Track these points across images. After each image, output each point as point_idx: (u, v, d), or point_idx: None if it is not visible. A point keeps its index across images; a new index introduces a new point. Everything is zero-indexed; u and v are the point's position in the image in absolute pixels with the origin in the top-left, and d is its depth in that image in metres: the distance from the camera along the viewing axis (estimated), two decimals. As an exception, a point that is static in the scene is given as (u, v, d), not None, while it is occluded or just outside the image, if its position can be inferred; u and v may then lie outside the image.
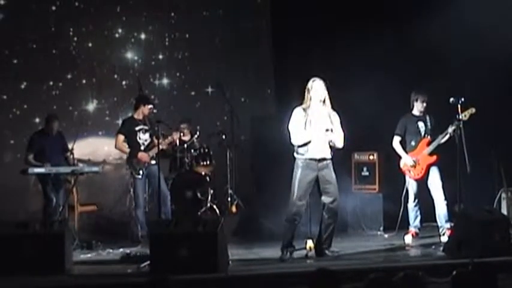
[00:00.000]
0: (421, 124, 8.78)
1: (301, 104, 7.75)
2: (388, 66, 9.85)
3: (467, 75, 9.46)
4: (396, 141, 8.84)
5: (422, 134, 8.77)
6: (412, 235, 8.79)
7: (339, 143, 7.76)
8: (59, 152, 9.38)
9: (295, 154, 7.72)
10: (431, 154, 8.67)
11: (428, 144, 8.70)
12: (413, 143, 8.80)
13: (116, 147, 9.43)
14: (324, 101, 7.71)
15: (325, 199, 7.71)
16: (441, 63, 9.92)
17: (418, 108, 8.79)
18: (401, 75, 9.84)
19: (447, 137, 8.50)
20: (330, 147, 7.72)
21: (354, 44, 9.94)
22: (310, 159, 7.64)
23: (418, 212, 8.79)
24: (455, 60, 9.67)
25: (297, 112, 7.72)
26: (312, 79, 7.75)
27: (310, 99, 7.70)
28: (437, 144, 8.62)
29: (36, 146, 9.27)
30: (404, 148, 8.81)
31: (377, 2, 10.19)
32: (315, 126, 7.65)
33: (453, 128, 8.37)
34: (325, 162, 7.69)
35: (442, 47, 9.79)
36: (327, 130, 7.63)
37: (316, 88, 7.69)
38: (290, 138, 7.70)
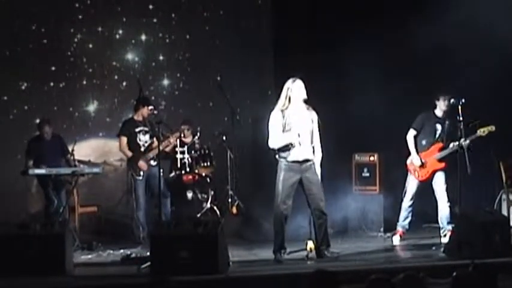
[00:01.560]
0: (438, 126, 8.63)
1: (278, 103, 7.66)
2: (389, 67, 9.85)
3: (467, 75, 9.46)
4: (411, 135, 8.68)
5: (436, 137, 8.64)
6: (400, 235, 8.77)
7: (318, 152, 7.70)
8: (57, 156, 9.36)
9: (277, 157, 7.66)
10: (440, 160, 8.62)
11: (440, 150, 8.61)
12: (423, 143, 8.69)
13: (120, 149, 9.39)
14: (304, 102, 7.60)
15: (311, 201, 7.66)
16: (442, 63, 9.92)
17: (440, 107, 8.60)
18: (402, 76, 9.84)
19: (457, 149, 8.31)
20: (313, 148, 7.65)
21: (354, 44, 9.95)
22: (293, 161, 7.58)
23: (410, 214, 8.74)
24: (456, 60, 9.67)
25: (275, 115, 7.61)
26: (292, 79, 7.63)
27: (289, 100, 7.60)
28: (449, 153, 8.52)
29: (33, 152, 9.27)
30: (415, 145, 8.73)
31: (378, 2, 10.19)
32: (296, 128, 7.55)
33: (467, 142, 8.25)
34: (308, 163, 7.62)
35: (442, 47, 9.78)
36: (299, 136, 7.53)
37: (297, 89, 7.58)
38: (267, 142, 7.64)
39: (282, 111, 7.61)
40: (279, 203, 7.62)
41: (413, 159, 8.66)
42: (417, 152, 8.67)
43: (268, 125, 7.65)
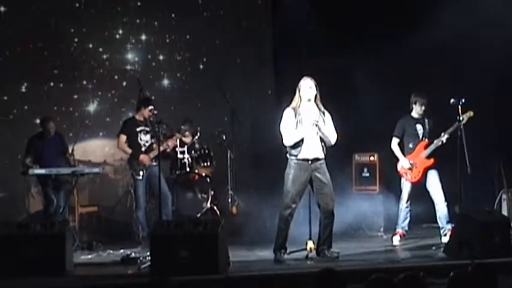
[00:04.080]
0: (419, 127, 8.77)
1: (291, 102, 7.70)
2: (389, 67, 9.84)
3: (467, 75, 9.46)
4: (394, 143, 8.83)
5: (420, 136, 8.76)
6: (400, 236, 8.80)
7: (331, 137, 7.67)
8: (57, 155, 9.34)
9: (287, 155, 7.69)
10: (428, 157, 8.67)
11: (426, 147, 8.69)
12: (411, 146, 8.79)
13: (118, 147, 9.39)
14: (313, 100, 7.64)
15: (320, 200, 7.68)
16: (441, 63, 9.92)
17: (417, 111, 8.78)
18: (401, 76, 9.85)
19: (440, 143, 8.54)
20: (323, 146, 7.67)
21: (355, 45, 9.95)
22: (303, 159, 7.60)
23: (408, 214, 8.80)
24: (455, 60, 9.67)
25: (287, 113, 7.65)
26: (303, 78, 7.69)
27: (300, 99, 7.65)
28: (434, 148, 8.62)
29: (33, 150, 9.25)
30: (402, 150, 8.81)
31: (377, 4, 10.19)
32: (306, 126, 7.58)
33: (446, 136, 8.45)
34: (318, 162, 7.64)
35: (441, 47, 9.79)
36: (316, 124, 7.52)
37: (306, 87, 7.63)
38: (282, 140, 7.67)
39: (294, 109, 7.65)
40: (288, 201, 7.63)
41: (403, 163, 8.72)
42: (405, 156, 8.74)
43: (281, 123, 7.66)
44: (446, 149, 8.56)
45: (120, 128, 9.34)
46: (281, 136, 7.68)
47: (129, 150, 9.14)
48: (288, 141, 7.62)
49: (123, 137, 9.20)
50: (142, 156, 9.04)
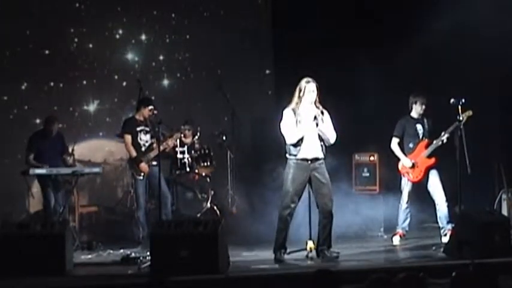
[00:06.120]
0: (419, 127, 8.79)
1: (290, 102, 7.72)
2: (389, 67, 9.85)
3: (467, 75, 9.46)
4: (394, 142, 8.84)
5: (421, 136, 8.78)
6: (400, 236, 8.82)
7: (330, 136, 7.69)
8: (57, 154, 9.34)
9: (287, 155, 7.71)
10: (429, 157, 8.68)
11: (426, 146, 8.71)
12: (411, 145, 8.80)
13: (126, 147, 9.26)
14: (314, 103, 7.67)
15: (319, 200, 7.70)
16: (441, 63, 9.93)
17: (416, 110, 8.80)
18: (401, 76, 9.85)
19: (440, 143, 8.56)
20: (322, 146, 7.68)
21: (354, 44, 9.94)
22: (302, 159, 7.62)
23: (409, 215, 8.81)
24: (455, 60, 9.67)
25: (288, 113, 7.68)
26: (306, 80, 7.68)
27: (301, 100, 7.67)
28: (435, 147, 8.63)
29: (35, 147, 9.25)
30: (402, 150, 8.82)
31: (378, 4, 10.20)
32: (305, 124, 7.60)
33: (447, 135, 8.48)
34: (317, 162, 7.65)
35: (441, 47, 9.79)
36: (315, 118, 7.55)
37: (309, 90, 7.64)
38: (284, 139, 7.67)
39: (293, 109, 7.67)
40: (287, 201, 7.64)
41: (404, 162, 8.74)
42: (406, 156, 8.75)
43: (281, 123, 7.69)
44: (446, 148, 8.57)
45: (121, 128, 9.31)
46: (282, 136, 7.69)
47: (134, 154, 9.06)
48: (290, 139, 7.63)
49: (129, 137, 9.13)
50: (142, 165, 9.00)
